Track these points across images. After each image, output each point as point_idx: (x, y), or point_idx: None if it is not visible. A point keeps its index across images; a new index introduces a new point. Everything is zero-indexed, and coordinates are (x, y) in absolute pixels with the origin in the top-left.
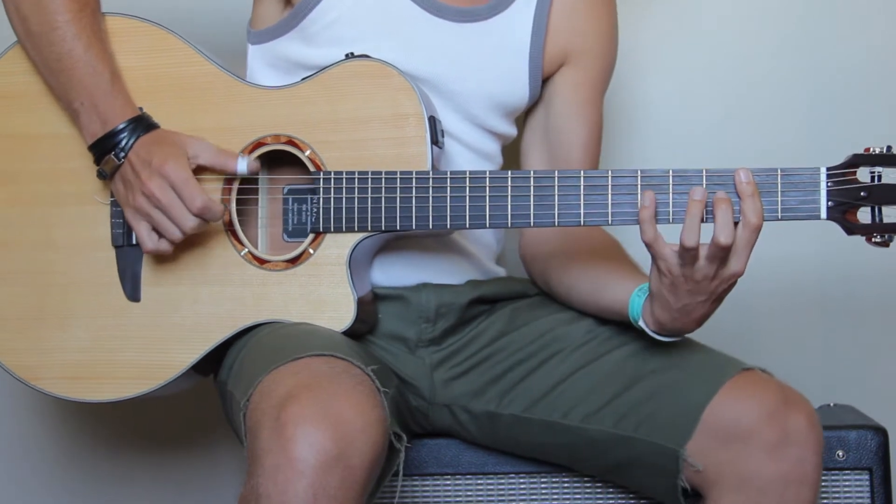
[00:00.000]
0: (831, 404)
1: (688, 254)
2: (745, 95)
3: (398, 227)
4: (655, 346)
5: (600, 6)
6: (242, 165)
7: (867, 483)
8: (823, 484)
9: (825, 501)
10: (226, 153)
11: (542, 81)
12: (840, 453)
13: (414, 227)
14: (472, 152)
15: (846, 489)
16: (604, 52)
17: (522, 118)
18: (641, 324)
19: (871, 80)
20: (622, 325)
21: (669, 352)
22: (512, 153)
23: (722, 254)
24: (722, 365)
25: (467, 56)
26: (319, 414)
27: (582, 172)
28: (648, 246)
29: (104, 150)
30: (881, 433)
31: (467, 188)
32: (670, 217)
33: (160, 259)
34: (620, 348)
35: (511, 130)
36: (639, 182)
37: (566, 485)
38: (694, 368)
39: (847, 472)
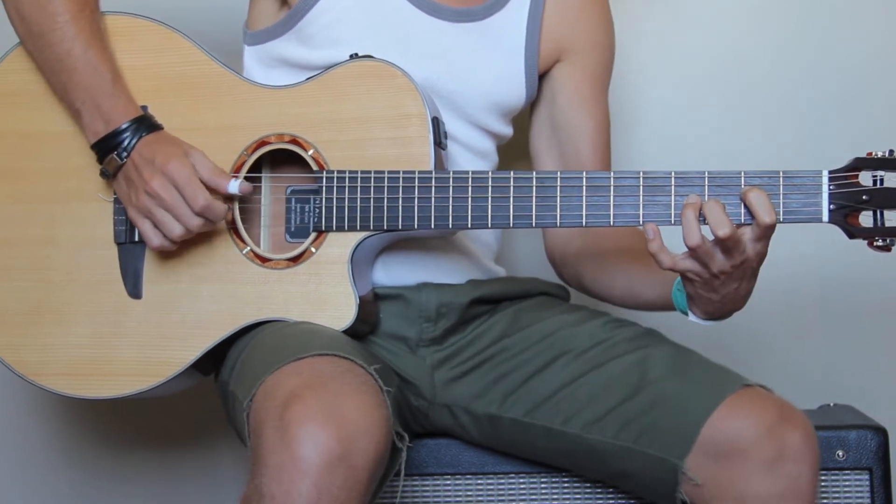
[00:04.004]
0: (831, 404)
1: (696, 253)
2: (745, 95)
3: (400, 227)
4: (658, 355)
5: (592, 1)
6: (234, 187)
7: (867, 483)
8: (823, 484)
9: (825, 502)
10: (220, 173)
11: (539, 78)
12: (840, 453)
13: (416, 226)
14: (467, 151)
15: (846, 489)
16: (599, 45)
17: (522, 119)
18: (693, 318)
19: (871, 80)
20: (627, 331)
21: (672, 363)
22: (509, 152)
23: (731, 243)
24: (723, 380)
25: (463, 56)
26: (323, 414)
27: (584, 174)
28: (670, 269)
29: (107, 149)
30: (881, 433)
31: (469, 188)
32: (672, 219)
33: (162, 256)
34: (624, 356)
35: (507, 130)
36: (641, 184)
37: (566, 485)
38: (695, 382)
39: (847, 472)
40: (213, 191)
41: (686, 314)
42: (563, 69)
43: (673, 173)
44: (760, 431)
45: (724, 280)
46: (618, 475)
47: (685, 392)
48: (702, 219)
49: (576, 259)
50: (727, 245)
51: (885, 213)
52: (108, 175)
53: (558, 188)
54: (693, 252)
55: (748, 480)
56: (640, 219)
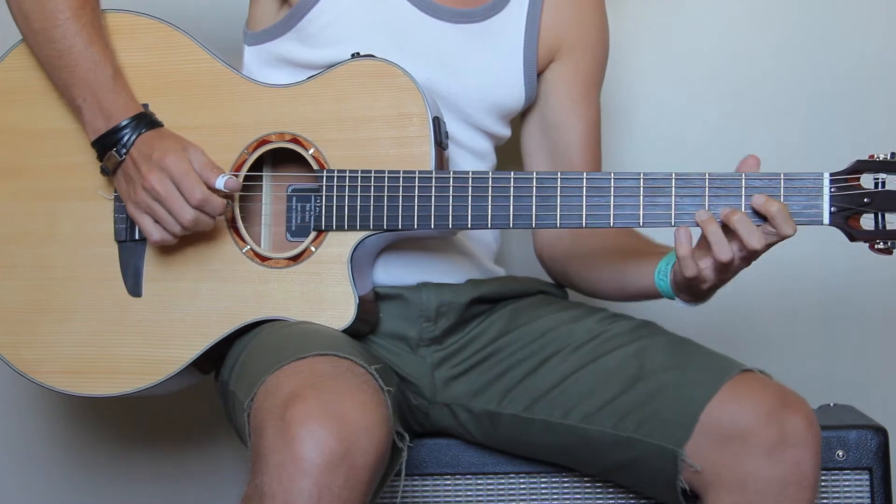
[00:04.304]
0: (831, 404)
1: (723, 265)
2: (745, 95)
3: (400, 227)
4: (656, 346)
5: (588, 1)
6: (220, 182)
7: (867, 483)
8: (823, 484)
9: (825, 501)
10: (212, 166)
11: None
12: (840, 453)
13: (416, 226)
14: (466, 152)
15: (846, 489)
16: (593, 45)
17: (517, 119)
18: (680, 304)
19: (871, 80)
20: (624, 324)
21: (670, 352)
22: (506, 152)
23: (759, 254)
24: (721, 366)
25: (462, 57)
26: (324, 413)
27: (584, 174)
28: (692, 279)
29: (106, 146)
30: (881, 433)
31: (469, 188)
32: (672, 221)
33: (162, 254)
34: (621, 348)
35: (505, 131)
36: (641, 185)
37: (566, 485)
38: (694, 369)
39: (847, 472)
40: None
41: (673, 299)
42: (556, 69)
43: (673, 175)
44: (760, 416)
45: (728, 275)
46: (618, 467)
47: (684, 379)
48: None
49: (564, 257)
50: (755, 256)
51: (887, 215)
52: (108, 172)
53: (558, 189)
54: (721, 265)
55: (749, 466)
56: (640, 220)
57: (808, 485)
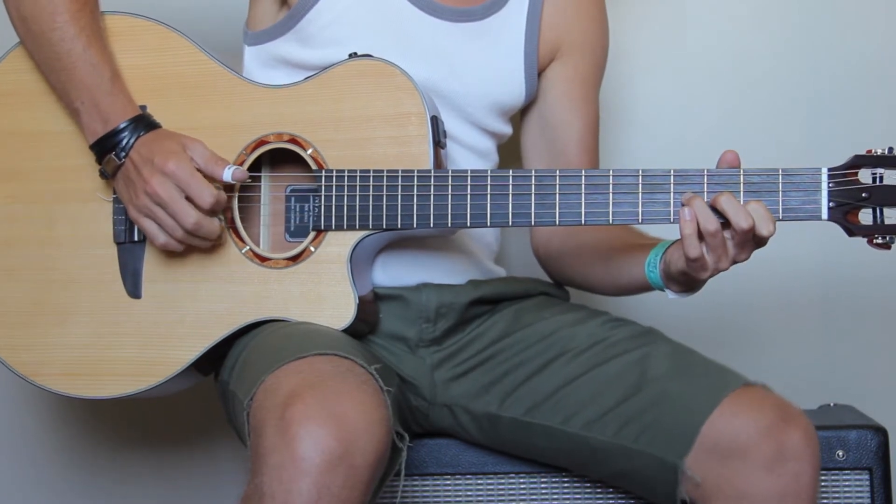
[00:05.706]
0: (831, 404)
1: (715, 239)
2: (745, 95)
3: (399, 226)
4: (658, 354)
5: (588, 1)
6: (227, 174)
7: (867, 483)
8: (823, 484)
9: (825, 502)
10: (216, 159)
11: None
12: (840, 453)
13: (415, 225)
14: (468, 151)
15: (846, 489)
16: (593, 45)
17: (517, 117)
18: (671, 295)
19: (871, 80)
20: (626, 330)
21: (672, 361)
22: (507, 152)
23: (749, 236)
24: (723, 379)
25: (463, 56)
26: (324, 413)
27: (583, 172)
28: (694, 261)
29: (105, 149)
30: (881, 433)
31: (468, 187)
32: (671, 217)
33: (161, 256)
34: (624, 355)
35: (506, 129)
36: (640, 182)
37: (566, 485)
38: (696, 380)
39: (847, 472)
40: (210, 180)
41: (663, 290)
42: (556, 68)
43: (672, 171)
44: (760, 430)
45: (726, 265)
46: (618, 475)
47: (685, 391)
48: (719, 217)
49: (560, 254)
50: (746, 237)
51: (885, 210)
52: (107, 175)
53: (557, 186)
54: (712, 237)
55: (749, 479)
56: (640, 217)
57: (806, 496)
